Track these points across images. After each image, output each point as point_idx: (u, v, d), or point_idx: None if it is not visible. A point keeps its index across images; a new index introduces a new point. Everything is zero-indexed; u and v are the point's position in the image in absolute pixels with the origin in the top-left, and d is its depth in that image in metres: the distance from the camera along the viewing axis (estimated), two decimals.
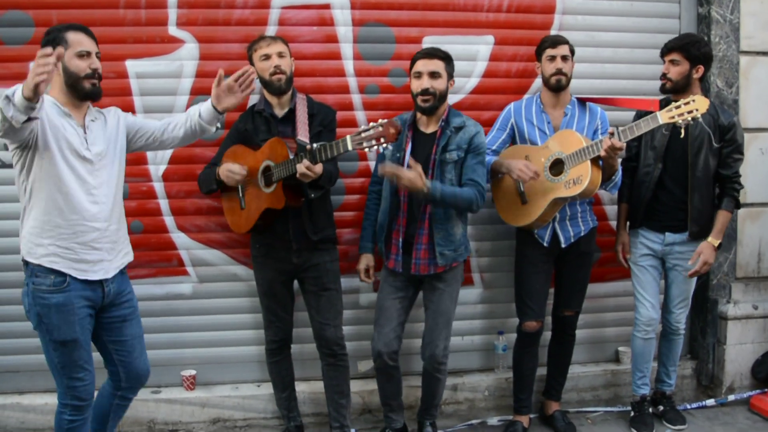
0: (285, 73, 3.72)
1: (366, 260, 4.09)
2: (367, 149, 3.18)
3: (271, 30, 4.24)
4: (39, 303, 3.03)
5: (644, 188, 4.14)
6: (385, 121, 3.16)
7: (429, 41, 4.36)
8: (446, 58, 3.79)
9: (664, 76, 4.02)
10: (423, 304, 4.05)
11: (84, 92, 3.07)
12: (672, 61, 3.98)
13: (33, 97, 2.60)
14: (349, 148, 3.24)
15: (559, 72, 3.96)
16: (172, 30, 4.20)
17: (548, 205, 3.88)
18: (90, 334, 3.17)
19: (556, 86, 4.00)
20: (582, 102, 4.13)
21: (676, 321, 4.28)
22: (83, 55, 3.03)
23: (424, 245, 3.84)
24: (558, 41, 3.99)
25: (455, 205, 3.76)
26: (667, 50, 4.01)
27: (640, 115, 4.11)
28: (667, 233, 4.15)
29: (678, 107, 3.48)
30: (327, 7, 4.32)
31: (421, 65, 3.75)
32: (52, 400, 4.20)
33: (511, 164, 3.89)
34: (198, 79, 4.22)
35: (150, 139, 3.42)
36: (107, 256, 3.17)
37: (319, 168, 3.44)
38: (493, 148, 4.12)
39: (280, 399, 4.15)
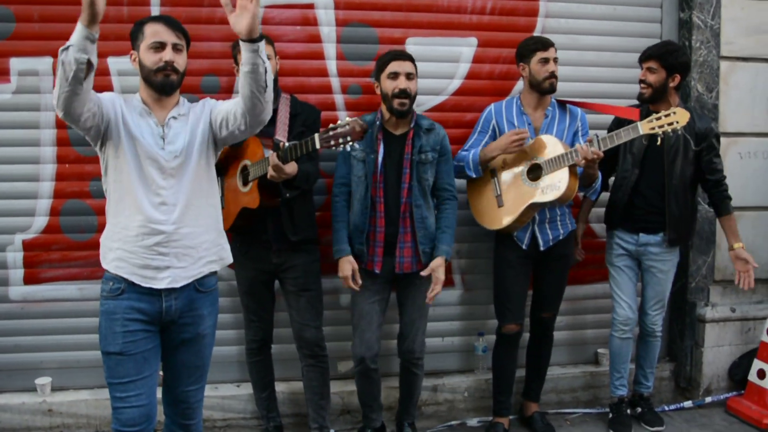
0: (274, 69, 3.71)
1: (349, 264, 3.85)
2: (334, 147, 3.15)
3: None
4: (100, 308, 2.87)
5: (621, 192, 4.18)
6: (352, 119, 3.13)
7: (412, 42, 4.38)
8: (413, 59, 3.83)
9: (642, 82, 4.05)
10: (397, 300, 4.07)
11: (155, 85, 2.85)
12: (649, 69, 4.02)
13: (92, 22, 2.45)
14: (317, 146, 3.20)
15: (552, 75, 3.96)
16: None
17: (524, 209, 3.91)
18: (146, 354, 2.85)
19: (550, 89, 4.00)
20: (562, 104, 4.14)
21: (652, 323, 4.33)
22: (156, 47, 2.82)
23: (407, 244, 3.87)
24: (549, 43, 3.98)
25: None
26: (645, 57, 4.05)
27: (618, 121, 4.15)
28: (641, 234, 4.20)
29: (659, 118, 3.54)
30: (311, 6, 4.31)
31: (397, 66, 3.75)
32: (29, 399, 4.20)
33: (499, 144, 3.94)
34: None
35: (229, 124, 2.94)
36: (177, 263, 2.86)
37: (290, 168, 3.41)
38: (478, 149, 4.11)
39: (260, 399, 4.14)
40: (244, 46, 2.69)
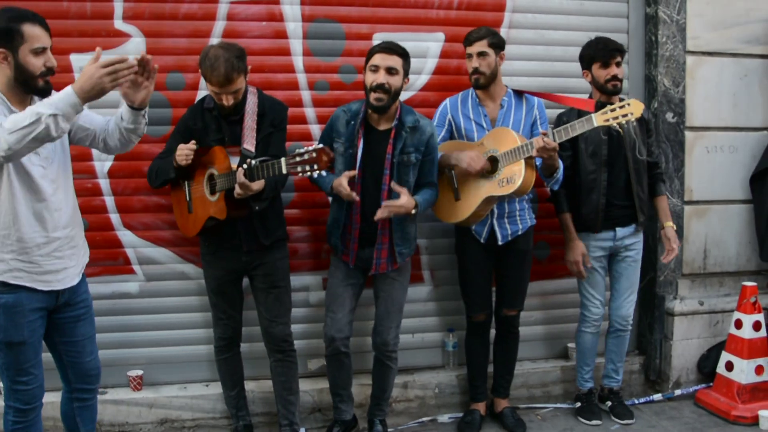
0: (237, 102, 3.59)
1: (342, 178, 3.68)
2: (300, 174, 3.17)
3: (219, 25, 4.19)
4: None
5: (596, 194, 4.17)
6: (320, 146, 3.14)
7: (379, 38, 4.34)
8: (404, 55, 3.76)
9: (615, 78, 4.08)
10: (373, 293, 4.07)
11: (36, 89, 2.87)
12: (617, 63, 4.09)
13: (89, 99, 2.67)
14: (284, 171, 3.23)
15: (475, 71, 3.97)
16: (118, 24, 4.11)
17: (481, 202, 3.91)
18: (41, 336, 3.03)
19: (475, 85, 4.02)
20: (518, 93, 4.13)
21: (627, 315, 4.37)
22: (39, 51, 2.81)
23: (384, 245, 3.86)
24: (472, 38, 3.96)
25: (427, 208, 3.89)
26: (613, 53, 4.07)
27: (569, 112, 4.19)
28: (617, 228, 4.23)
29: (613, 110, 3.54)
30: (276, 2, 4.28)
31: (379, 59, 3.70)
32: None
33: (459, 156, 3.92)
34: None
35: (91, 137, 3.15)
36: (70, 262, 3.05)
37: (257, 185, 3.40)
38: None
39: (229, 398, 4.11)
40: (131, 112, 2.97)
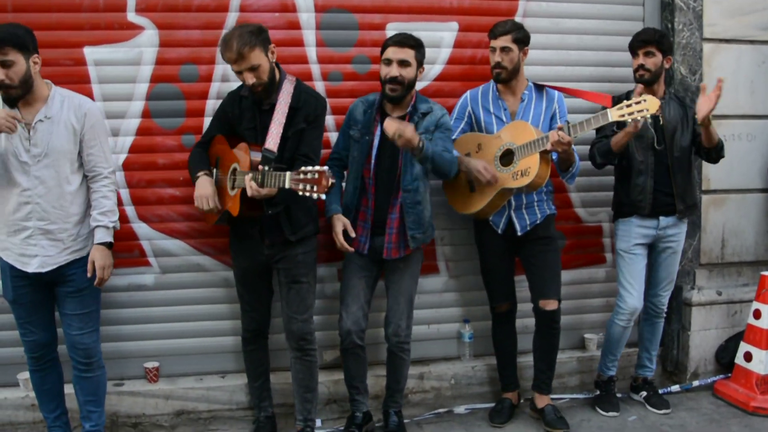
0: (263, 82, 3.54)
1: (339, 221, 3.80)
2: (300, 192, 3.14)
3: (232, 17, 4.18)
4: None
5: (643, 177, 4.16)
6: (323, 169, 3.11)
7: (393, 27, 4.32)
8: (417, 46, 3.79)
9: (642, 68, 4.07)
10: (384, 284, 4.07)
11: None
12: (647, 53, 4.05)
13: None
14: (286, 186, 3.20)
15: (497, 65, 3.98)
16: (131, 16, 4.11)
17: (495, 194, 3.91)
18: (35, 302, 3.50)
19: (496, 79, 4.02)
20: (539, 87, 4.12)
21: (662, 304, 4.39)
22: None
23: (395, 229, 3.87)
24: (497, 32, 3.96)
25: (441, 164, 3.76)
26: (642, 43, 4.06)
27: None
28: (660, 217, 4.20)
29: (629, 106, 3.54)
30: None
31: (391, 53, 3.76)
32: (12, 394, 4.15)
33: (470, 163, 3.92)
34: (158, 66, 4.15)
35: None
36: (42, 251, 3.41)
37: (267, 190, 3.34)
38: (453, 137, 4.10)
39: (253, 388, 4.12)
40: None
